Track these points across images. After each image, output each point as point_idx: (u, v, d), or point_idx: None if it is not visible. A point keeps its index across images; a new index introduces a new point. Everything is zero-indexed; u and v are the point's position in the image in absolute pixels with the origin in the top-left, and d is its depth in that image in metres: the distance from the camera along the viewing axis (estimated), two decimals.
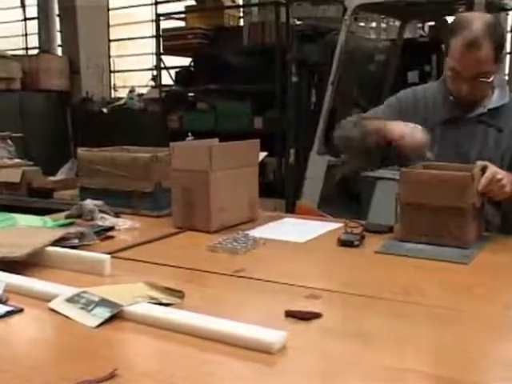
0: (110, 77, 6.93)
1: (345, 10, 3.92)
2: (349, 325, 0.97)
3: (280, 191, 4.79)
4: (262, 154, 1.91)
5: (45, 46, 6.69)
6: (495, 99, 1.64)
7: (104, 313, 0.95)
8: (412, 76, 4.18)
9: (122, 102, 6.38)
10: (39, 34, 6.86)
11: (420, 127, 1.54)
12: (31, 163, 3.89)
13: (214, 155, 1.58)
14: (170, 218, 1.70)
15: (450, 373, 0.79)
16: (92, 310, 0.97)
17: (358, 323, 0.97)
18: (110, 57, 6.93)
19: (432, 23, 4.44)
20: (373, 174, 3.18)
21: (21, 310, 1.00)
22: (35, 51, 6.81)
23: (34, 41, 7.18)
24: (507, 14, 4.08)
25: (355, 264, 1.33)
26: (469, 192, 1.38)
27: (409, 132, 1.53)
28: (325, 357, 0.84)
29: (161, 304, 1.01)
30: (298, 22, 4.71)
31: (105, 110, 6.38)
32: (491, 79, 1.55)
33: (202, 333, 0.89)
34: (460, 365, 0.82)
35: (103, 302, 0.98)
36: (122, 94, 6.72)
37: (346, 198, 3.86)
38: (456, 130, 1.64)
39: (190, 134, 4.89)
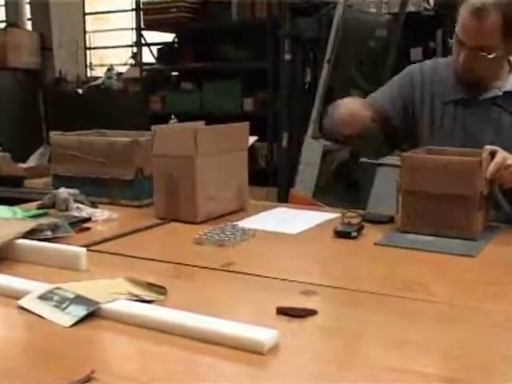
0: (85, 54, 6.87)
1: None
2: (347, 323, 0.97)
3: (272, 179, 4.79)
4: (252, 138, 1.91)
5: (12, 20, 6.60)
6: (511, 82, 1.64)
7: (79, 311, 0.95)
8: (415, 53, 4.18)
9: (99, 81, 6.34)
10: (6, 5, 6.77)
11: (359, 104, 1.54)
12: None
13: (199, 139, 1.57)
14: (151, 207, 1.69)
15: (456, 374, 0.80)
16: (66, 307, 0.96)
17: (357, 321, 0.97)
18: (85, 32, 6.86)
19: None
20: (373, 160, 3.18)
21: None
22: (1, 25, 6.73)
23: None
24: None
25: (353, 257, 1.33)
26: (476, 179, 1.38)
27: (344, 113, 1.54)
28: (320, 358, 0.84)
29: (142, 301, 1.00)
30: None
31: (80, 91, 6.33)
32: (493, 55, 1.53)
33: (187, 332, 0.89)
34: (467, 366, 0.82)
35: (78, 299, 0.98)
36: (99, 73, 6.67)
37: (343, 186, 3.87)
38: (468, 111, 1.64)
39: (173, 116, 4.86)
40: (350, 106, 1.57)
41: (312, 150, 4.01)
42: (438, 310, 1.01)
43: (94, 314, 0.96)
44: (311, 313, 0.97)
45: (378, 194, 3.21)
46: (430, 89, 1.69)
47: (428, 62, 1.76)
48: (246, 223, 1.56)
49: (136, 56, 6.05)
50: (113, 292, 1.02)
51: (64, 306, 0.97)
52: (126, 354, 0.89)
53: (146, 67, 5.71)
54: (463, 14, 1.53)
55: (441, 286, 1.11)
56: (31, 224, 1.38)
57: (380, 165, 3.21)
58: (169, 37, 5.78)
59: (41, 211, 1.66)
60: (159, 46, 5.80)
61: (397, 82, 1.74)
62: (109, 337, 0.93)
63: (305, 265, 1.30)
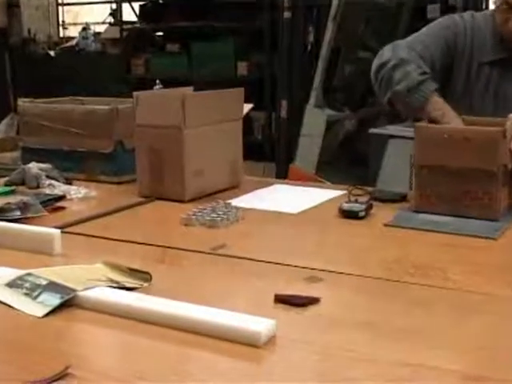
0: (57, 11, 6.80)
1: None
2: (353, 312, 0.97)
3: (269, 152, 4.79)
4: (248, 107, 1.90)
5: None
6: None
7: (53, 299, 0.95)
8: (432, 10, 4.15)
9: (73, 42, 6.29)
10: None
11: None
12: None
13: (187, 107, 1.56)
14: (134, 184, 1.69)
15: (475, 369, 0.80)
16: (38, 296, 0.96)
17: (365, 310, 0.98)
18: None
19: None
20: (383, 130, 3.19)
21: None
22: None
23: None
24: None
25: (361, 239, 1.33)
26: (499, 151, 1.38)
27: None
28: (324, 351, 0.84)
29: (124, 288, 1.01)
30: None
31: (52, 53, 6.29)
32: None
33: (174, 323, 0.89)
34: (487, 360, 0.83)
35: (52, 287, 0.98)
36: (74, 32, 6.62)
37: (350, 161, 3.87)
38: (502, 74, 1.67)
39: (158, 81, 4.82)
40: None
41: (315, 120, 4.01)
42: (456, 298, 1.01)
43: (69, 303, 0.96)
44: (314, 301, 0.97)
45: (389, 169, 3.21)
46: (471, 44, 1.71)
47: (467, 15, 1.77)
48: (241, 202, 1.56)
49: (115, 14, 6.00)
50: (90, 278, 1.02)
51: (35, 294, 0.97)
52: (106, 348, 0.89)
53: (126, 26, 5.67)
54: None
55: (459, 272, 1.12)
56: None
57: (391, 136, 3.21)
58: None
59: (8, 188, 1.66)
60: (142, 3, 5.75)
61: (438, 34, 1.74)
62: (86, 329, 0.93)
63: (306, 248, 1.30)
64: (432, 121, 1.60)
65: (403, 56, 1.67)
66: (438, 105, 1.62)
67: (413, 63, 1.66)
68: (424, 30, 1.77)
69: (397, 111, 1.75)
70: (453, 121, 1.58)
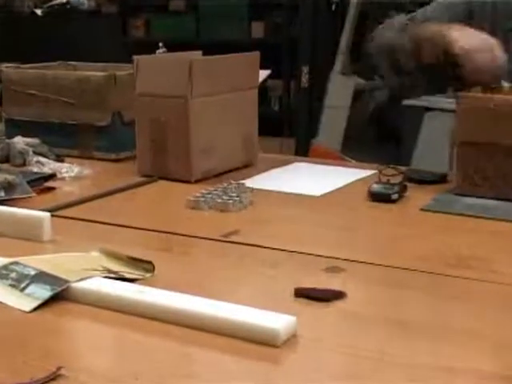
0: None
1: None
2: (383, 308, 0.97)
3: (288, 126, 4.78)
4: (264, 74, 1.90)
5: None
6: None
7: (43, 292, 0.96)
8: None
9: (63, 0, 6.27)
10: None
11: (495, 41, 1.51)
12: None
13: (195, 74, 1.56)
14: (133, 162, 1.70)
15: None
16: (26, 287, 0.97)
17: (396, 306, 0.98)
18: None
19: None
20: (419, 102, 3.17)
21: None
22: None
23: None
24: None
25: (393, 225, 1.33)
26: None
27: (478, 45, 1.50)
28: (349, 352, 0.85)
29: (123, 279, 1.01)
30: None
31: (39, 12, 6.28)
32: None
33: (180, 319, 0.89)
34: None
35: (42, 277, 0.99)
36: None
37: (380, 136, 3.86)
38: None
39: (161, 44, 4.82)
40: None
41: (340, 90, 3.99)
42: (504, 293, 1.01)
43: (61, 296, 0.96)
44: (338, 295, 0.97)
45: (426, 145, 3.19)
46: (493, 10, 1.68)
47: None
48: (255, 182, 1.57)
49: None
50: (85, 268, 1.03)
51: (23, 285, 0.98)
52: (103, 347, 0.90)
53: None
54: None
55: (507, 264, 1.11)
56: None
57: (429, 109, 3.19)
58: None
59: None
60: None
61: (446, 6, 1.73)
62: (80, 325, 0.93)
63: (330, 235, 1.30)
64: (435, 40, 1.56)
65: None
66: (433, 26, 1.59)
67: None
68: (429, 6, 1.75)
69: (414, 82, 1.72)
70: (453, 30, 1.54)
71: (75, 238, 1.25)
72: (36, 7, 6.35)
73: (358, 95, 4.02)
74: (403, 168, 1.59)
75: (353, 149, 3.69)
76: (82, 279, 0.98)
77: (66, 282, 0.97)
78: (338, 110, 3.94)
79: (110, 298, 0.95)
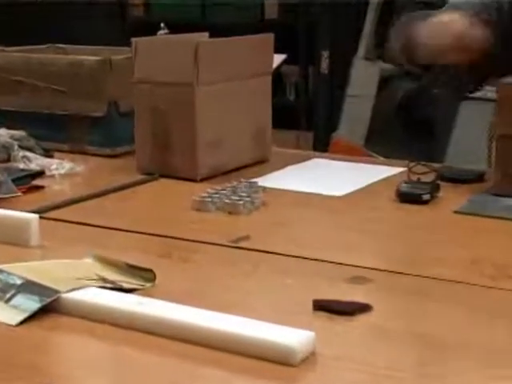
0: None
1: None
2: (413, 323, 0.97)
3: (305, 118, 4.77)
4: (279, 58, 1.90)
5: None
6: None
7: (30, 303, 0.96)
8: None
9: None
10: None
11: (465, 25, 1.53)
12: None
13: (201, 58, 1.57)
14: (132, 157, 1.70)
15: None
16: (11, 298, 0.97)
17: (428, 321, 0.97)
18: None
19: None
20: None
21: None
22: None
23: None
24: None
25: (423, 230, 1.33)
26: None
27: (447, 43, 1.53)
28: (374, 371, 0.84)
29: (120, 290, 1.01)
30: None
31: None
32: None
33: (184, 333, 0.89)
34: None
35: (29, 287, 0.99)
36: None
37: (410, 129, 3.84)
38: None
39: (162, 25, 4.83)
40: (452, 27, 1.56)
41: (364, 77, 3.98)
42: None
43: (50, 308, 0.96)
44: (362, 308, 0.97)
45: (462, 140, 3.18)
46: None
47: None
48: (269, 181, 1.57)
49: None
50: (78, 277, 1.03)
51: (8, 296, 0.98)
52: (97, 365, 0.90)
53: None
54: None
55: None
56: None
57: (466, 98, 3.18)
58: None
59: None
60: None
61: None
62: (72, 340, 0.93)
63: (353, 240, 1.30)
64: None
65: None
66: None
67: None
68: None
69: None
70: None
71: (66, 243, 1.25)
72: None
73: (384, 82, 4.01)
74: (436, 165, 1.59)
75: (378, 143, 3.68)
76: (73, 289, 0.98)
77: (56, 292, 0.97)
78: (362, 100, 3.94)
79: (105, 311, 0.95)
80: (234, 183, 1.51)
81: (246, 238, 1.25)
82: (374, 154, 3.33)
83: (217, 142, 1.63)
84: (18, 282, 1.00)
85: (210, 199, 1.42)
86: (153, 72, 1.62)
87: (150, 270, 1.06)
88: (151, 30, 4.68)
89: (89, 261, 1.11)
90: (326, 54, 4.48)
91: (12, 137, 1.73)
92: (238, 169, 1.67)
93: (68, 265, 1.09)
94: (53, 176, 1.63)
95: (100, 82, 1.80)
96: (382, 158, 2.38)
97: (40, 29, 4.67)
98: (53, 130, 1.84)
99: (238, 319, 0.90)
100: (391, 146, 3.48)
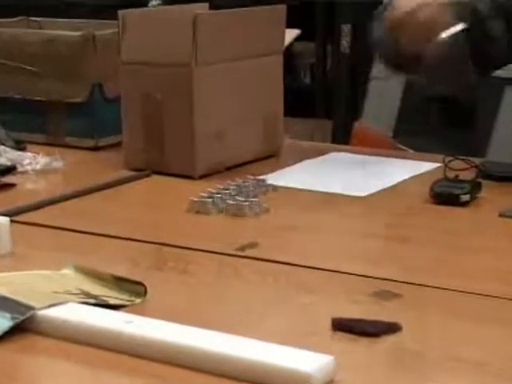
0: None
1: None
2: (450, 346, 0.97)
3: (323, 104, 4.76)
4: (292, 34, 1.89)
5: None
6: None
7: (1, 321, 0.96)
8: None
9: None
10: None
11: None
12: None
13: (201, 34, 1.57)
14: (119, 150, 1.71)
15: None
16: None
17: (469, 345, 0.97)
18: None
19: None
20: (497, 72, 3.15)
21: None
22: None
23: None
24: None
25: (462, 236, 1.33)
26: None
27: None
28: None
29: (105, 306, 1.02)
30: None
31: None
32: None
33: (181, 357, 0.90)
34: None
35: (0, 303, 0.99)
36: None
37: (446, 118, 3.83)
38: None
39: None
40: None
41: None
42: None
43: (24, 327, 0.96)
44: (389, 328, 0.97)
45: (507, 130, 3.17)
46: None
47: None
48: (280, 178, 1.57)
49: None
50: (55, 291, 1.03)
51: None
52: None
53: None
54: None
55: None
56: None
57: (509, 80, 3.17)
58: None
59: None
60: None
61: None
62: (49, 364, 0.94)
63: (380, 249, 1.30)
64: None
65: None
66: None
67: None
68: None
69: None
70: None
71: (42, 251, 1.25)
72: None
73: None
74: (477, 160, 1.59)
75: (409, 134, 3.67)
76: (51, 305, 0.98)
77: (31, 308, 0.97)
78: (390, 83, 3.93)
79: (87, 330, 0.95)
80: (239, 181, 1.51)
81: (254, 245, 1.26)
82: (404, 147, 3.31)
83: (219, 133, 1.63)
84: None
85: (210, 200, 1.42)
86: (143, 50, 1.62)
87: (140, 283, 1.06)
88: (141, 0, 4.70)
89: (68, 272, 1.11)
90: (347, 28, 4.47)
91: None
92: (243, 164, 1.67)
93: (44, 277, 1.09)
94: (26, 172, 1.63)
95: (81, 62, 1.80)
96: (413, 152, 2.37)
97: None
98: (26, 118, 1.84)
99: (244, 341, 0.90)
100: (424, 137, 3.47)
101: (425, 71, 1.61)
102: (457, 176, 1.47)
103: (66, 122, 1.83)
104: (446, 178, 1.46)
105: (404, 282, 1.12)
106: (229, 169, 1.64)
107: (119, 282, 1.07)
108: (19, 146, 1.74)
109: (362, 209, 1.46)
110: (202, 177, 1.59)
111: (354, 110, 4.19)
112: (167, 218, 1.44)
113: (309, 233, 1.36)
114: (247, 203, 1.40)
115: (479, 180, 1.47)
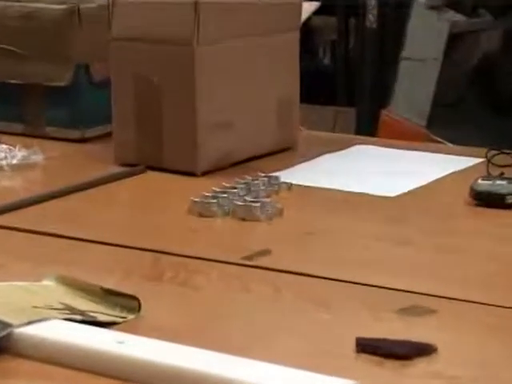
0: None
1: None
2: (493, 371, 0.97)
3: (346, 89, 4.76)
4: (310, 7, 1.89)
5: None
6: None
7: None
8: None
9: None
10: None
11: None
12: None
13: (204, 8, 1.57)
14: (108, 143, 1.71)
15: None
16: None
17: None
18: None
19: None
20: None
21: None
22: None
23: None
24: None
25: (508, 243, 1.33)
26: None
27: None
28: None
29: (93, 323, 1.02)
30: None
31: None
32: None
33: (181, 382, 0.90)
34: None
35: None
36: None
37: (490, 105, 3.81)
38: None
39: None
40: None
41: (427, 33, 3.97)
42: None
43: (1, 347, 0.97)
44: (422, 350, 0.97)
45: None
46: None
47: None
48: (296, 175, 1.58)
49: None
50: (35, 305, 1.04)
51: None
52: None
53: None
54: None
55: None
56: None
57: None
58: None
59: None
60: None
61: None
62: None
63: (411, 257, 1.30)
64: None
65: None
66: None
67: None
68: None
69: None
70: None
71: (19, 259, 1.26)
72: None
73: (454, 40, 4.00)
74: None
75: (446, 124, 3.68)
76: (30, 322, 0.99)
77: (7, 326, 0.98)
78: (424, 64, 3.93)
79: (72, 351, 0.95)
80: (249, 178, 1.51)
81: (265, 253, 1.26)
82: (440, 139, 3.32)
83: (225, 123, 1.63)
84: None
85: (215, 200, 1.42)
86: (137, 26, 1.62)
87: (133, 297, 1.06)
88: None
89: (50, 283, 1.11)
90: (372, 1, 4.47)
91: None
92: (253, 159, 1.68)
93: (22, 289, 1.10)
94: (1, 168, 1.64)
95: (64, 39, 1.81)
96: (450, 145, 2.38)
97: None
98: (1, 105, 1.85)
99: (252, 364, 0.90)
100: (464, 127, 3.47)
101: None
102: (502, 173, 1.47)
103: (47, 110, 1.84)
104: (490, 176, 1.46)
105: (439, 296, 1.12)
106: (236, 164, 1.64)
107: (109, 296, 1.07)
108: None
109: (391, 212, 1.46)
110: (204, 173, 1.60)
111: (382, 95, 4.19)
112: (164, 221, 1.44)
113: (328, 239, 1.36)
114: (258, 204, 1.41)
115: None
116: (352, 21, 4.82)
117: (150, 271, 1.23)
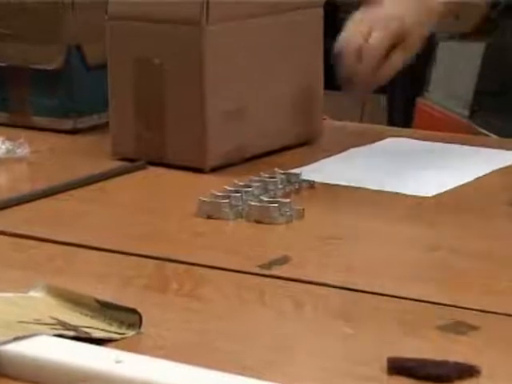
0: None
1: None
2: None
3: None
4: None
5: None
6: None
7: None
8: None
9: None
10: None
11: None
12: None
13: None
14: (104, 134, 1.72)
15: None
16: None
17: None
18: None
19: None
20: None
21: None
22: None
23: None
24: None
25: None
26: None
27: None
28: None
29: (87, 340, 1.02)
30: None
31: None
32: None
33: None
34: None
35: None
36: None
37: None
38: None
39: None
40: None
41: (469, 10, 3.96)
42: None
43: None
44: (464, 371, 0.97)
45: None
46: None
47: None
48: (319, 172, 1.59)
49: None
50: (22, 320, 1.04)
51: None
52: None
53: None
54: None
55: None
56: None
57: None
58: None
59: None
60: None
61: None
62: None
63: (449, 265, 1.30)
64: None
65: None
66: None
67: None
68: None
69: None
70: None
71: (3, 267, 1.26)
72: None
73: (503, 16, 3.99)
74: None
75: (491, 114, 3.66)
76: (16, 338, 0.99)
77: None
78: (465, 45, 3.92)
79: (64, 371, 0.96)
80: (264, 176, 1.52)
81: (283, 261, 1.26)
82: (484, 131, 3.31)
83: (237, 113, 1.64)
84: None
85: (226, 200, 1.42)
86: (136, 3, 1.63)
87: (134, 311, 1.07)
88: None
89: (38, 295, 1.11)
90: None
91: None
92: (269, 153, 1.68)
93: (6, 301, 1.10)
94: None
95: (55, 18, 1.82)
96: (496, 137, 2.37)
97: None
98: None
99: None
100: (511, 118, 3.46)
101: None
102: None
103: (34, 97, 1.85)
104: None
105: (483, 311, 1.12)
106: (250, 159, 1.64)
107: (105, 309, 1.08)
108: None
109: (428, 213, 1.46)
110: (214, 170, 1.60)
111: (417, 81, 4.18)
112: (168, 224, 1.44)
113: (355, 244, 1.37)
114: (275, 205, 1.41)
115: None
116: None
117: (151, 281, 1.23)
